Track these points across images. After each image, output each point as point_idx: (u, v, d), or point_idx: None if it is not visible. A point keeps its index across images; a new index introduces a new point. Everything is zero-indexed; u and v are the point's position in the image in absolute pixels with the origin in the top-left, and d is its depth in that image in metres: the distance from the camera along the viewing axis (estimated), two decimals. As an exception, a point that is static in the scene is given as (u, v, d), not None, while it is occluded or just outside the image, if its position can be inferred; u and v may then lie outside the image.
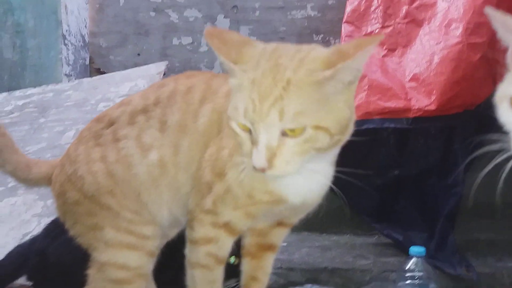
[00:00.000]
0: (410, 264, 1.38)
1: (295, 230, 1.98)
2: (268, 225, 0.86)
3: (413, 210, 1.76)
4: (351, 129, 0.71)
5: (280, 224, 0.86)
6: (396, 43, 1.69)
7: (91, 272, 0.82)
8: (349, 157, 1.58)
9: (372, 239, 1.88)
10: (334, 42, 2.18)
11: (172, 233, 0.92)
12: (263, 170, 0.64)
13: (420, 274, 1.36)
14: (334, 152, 0.75)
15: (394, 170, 1.77)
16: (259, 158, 0.64)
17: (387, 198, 1.79)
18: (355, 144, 1.62)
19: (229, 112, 0.67)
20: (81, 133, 0.90)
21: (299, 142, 0.64)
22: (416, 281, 1.34)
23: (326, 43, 2.20)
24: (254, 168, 0.65)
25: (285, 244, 1.89)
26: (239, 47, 0.68)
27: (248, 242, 0.88)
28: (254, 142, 0.65)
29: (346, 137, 0.71)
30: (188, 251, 0.80)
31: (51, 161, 0.96)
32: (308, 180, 0.73)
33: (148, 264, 0.83)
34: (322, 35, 2.28)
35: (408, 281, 1.34)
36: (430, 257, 1.58)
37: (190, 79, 0.84)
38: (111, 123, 0.85)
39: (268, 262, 0.88)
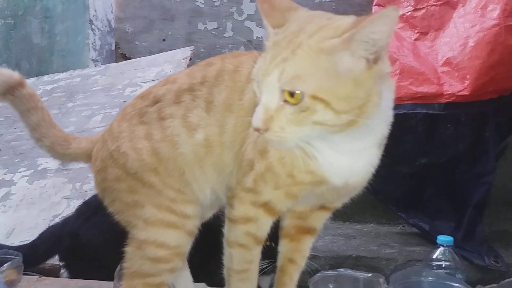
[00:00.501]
0: (437, 253, 1.34)
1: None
2: (309, 208, 0.83)
3: (440, 199, 1.72)
4: (370, 112, 0.63)
5: (322, 207, 0.83)
6: (429, 26, 1.64)
7: (130, 249, 0.80)
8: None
9: (396, 228, 1.86)
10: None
11: (209, 214, 0.91)
12: (258, 131, 0.63)
13: (447, 263, 1.33)
14: (377, 134, 0.70)
15: (422, 159, 1.73)
16: (256, 118, 0.62)
17: (414, 187, 1.75)
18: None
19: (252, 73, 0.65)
20: (124, 110, 0.88)
21: (296, 110, 0.61)
22: (443, 271, 1.31)
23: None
24: (253, 128, 0.63)
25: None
26: (284, 13, 0.66)
27: (288, 224, 0.85)
28: (258, 103, 0.63)
29: (366, 120, 0.63)
30: (226, 229, 0.79)
31: (91, 137, 0.94)
32: (351, 160, 0.70)
33: (187, 244, 0.80)
34: (349, 20, 2.24)
35: (434, 271, 1.32)
36: (457, 247, 1.54)
37: (238, 58, 0.82)
38: (156, 101, 0.83)
39: (307, 245, 0.85)
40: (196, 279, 0.96)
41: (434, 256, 1.35)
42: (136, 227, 0.81)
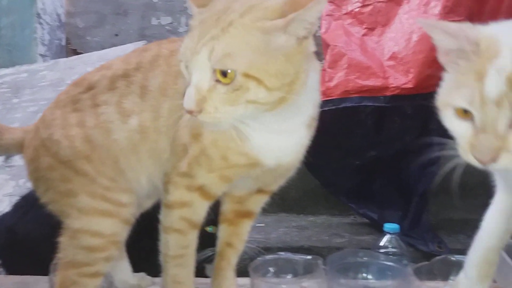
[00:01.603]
0: (384, 241, 1.39)
1: (272, 211, 2.00)
2: (247, 192, 0.84)
3: (389, 190, 1.78)
4: (298, 90, 0.66)
5: (259, 191, 0.84)
6: (376, 22, 1.70)
7: (63, 239, 0.79)
8: (328, 139, 1.59)
9: (348, 219, 1.90)
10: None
11: (148, 204, 0.90)
12: (191, 113, 0.62)
13: (394, 250, 1.38)
14: (305, 113, 0.72)
15: (371, 151, 1.78)
16: (188, 99, 0.62)
17: (364, 178, 1.80)
18: (334, 126, 1.64)
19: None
20: (58, 97, 0.86)
21: (229, 90, 0.61)
22: (390, 258, 1.35)
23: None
24: (186, 111, 0.62)
25: (262, 224, 1.89)
26: None
27: (227, 208, 0.86)
28: (187, 84, 0.63)
29: (294, 96, 0.65)
30: (162, 215, 0.78)
31: (26, 127, 0.91)
32: (282, 141, 0.72)
33: (122, 232, 0.80)
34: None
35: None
36: (404, 235, 1.60)
37: (174, 43, 0.81)
38: (90, 88, 0.82)
39: (245, 229, 0.86)
40: (137, 270, 0.94)
41: (382, 244, 1.40)
42: (70, 217, 0.79)
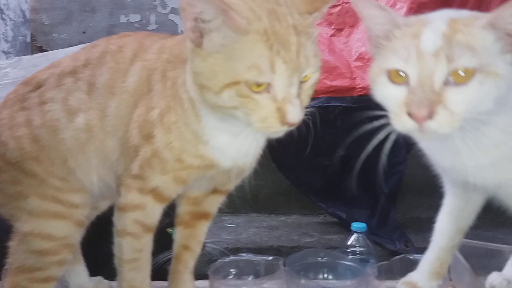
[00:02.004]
0: (352, 240, 1.40)
1: (244, 211, 2.00)
2: (203, 193, 0.83)
3: (357, 189, 1.79)
4: None
5: (215, 191, 0.83)
6: (344, 23, 1.71)
7: (13, 244, 0.76)
8: (298, 139, 1.59)
9: (318, 218, 1.91)
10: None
11: (104, 206, 0.87)
12: (292, 125, 0.66)
13: (361, 249, 1.39)
14: None
15: (341, 150, 1.79)
16: (295, 112, 0.64)
17: (334, 178, 1.81)
18: (303, 126, 1.64)
19: (237, 76, 0.61)
20: (7, 97, 0.83)
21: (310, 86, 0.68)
22: (357, 256, 1.37)
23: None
24: (288, 124, 0.65)
25: (233, 225, 1.88)
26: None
27: (182, 210, 0.84)
28: (279, 98, 0.62)
29: None
30: (115, 218, 0.76)
31: None
32: (239, 143, 0.71)
33: (75, 234, 0.77)
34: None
35: (349, 256, 1.37)
36: (372, 234, 1.61)
37: (123, 38, 0.79)
38: (38, 86, 0.79)
39: (202, 231, 0.85)
40: (94, 273, 0.91)
41: (349, 243, 1.41)
42: (20, 220, 0.76)
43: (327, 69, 1.63)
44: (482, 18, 0.63)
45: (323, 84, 1.62)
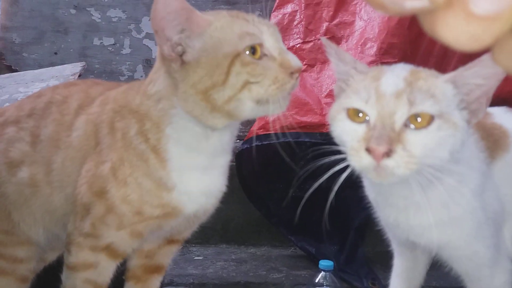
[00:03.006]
0: (319, 277, 1.40)
1: (213, 242, 1.97)
2: (157, 245, 0.80)
3: (326, 223, 1.79)
4: None
5: (170, 241, 0.81)
6: (315, 59, 1.72)
7: None
8: (270, 170, 1.58)
9: (287, 251, 1.90)
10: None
11: (52, 257, 0.84)
12: (298, 70, 0.72)
13: (328, 288, 1.38)
14: (230, 151, 0.74)
15: (311, 183, 1.79)
16: (295, 58, 0.70)
17: (304, 211, 1.80)
18: (275, 158, 1.65)
19: (234, 49, 0.66)
20: None
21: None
22: (324, 295, 1.36)
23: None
24: (295, 71, 0.70)
25: (201, 258, 1.85)
26: None
27: (134, 264, 0.82)
28: (276, 54, 0.69)
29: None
30: (64, 276, 0.73)
31: None
32: (209, 178, 0.70)
33: None
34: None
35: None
36: (340, 270, 1.61)
37: (69, 88, 0.77)
38: None
39: (154, 285, 0.82)
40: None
41: (317, 281, 1.40)
42: None
43: (298, 105, 1.63)
44: (444, 75, 0.65)
45: (294, 119, 1.62)
